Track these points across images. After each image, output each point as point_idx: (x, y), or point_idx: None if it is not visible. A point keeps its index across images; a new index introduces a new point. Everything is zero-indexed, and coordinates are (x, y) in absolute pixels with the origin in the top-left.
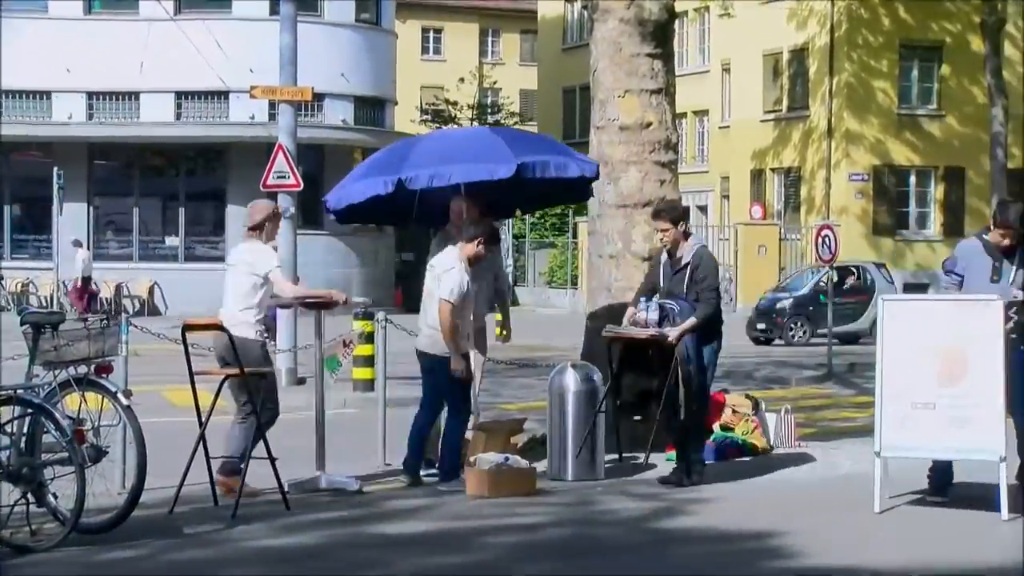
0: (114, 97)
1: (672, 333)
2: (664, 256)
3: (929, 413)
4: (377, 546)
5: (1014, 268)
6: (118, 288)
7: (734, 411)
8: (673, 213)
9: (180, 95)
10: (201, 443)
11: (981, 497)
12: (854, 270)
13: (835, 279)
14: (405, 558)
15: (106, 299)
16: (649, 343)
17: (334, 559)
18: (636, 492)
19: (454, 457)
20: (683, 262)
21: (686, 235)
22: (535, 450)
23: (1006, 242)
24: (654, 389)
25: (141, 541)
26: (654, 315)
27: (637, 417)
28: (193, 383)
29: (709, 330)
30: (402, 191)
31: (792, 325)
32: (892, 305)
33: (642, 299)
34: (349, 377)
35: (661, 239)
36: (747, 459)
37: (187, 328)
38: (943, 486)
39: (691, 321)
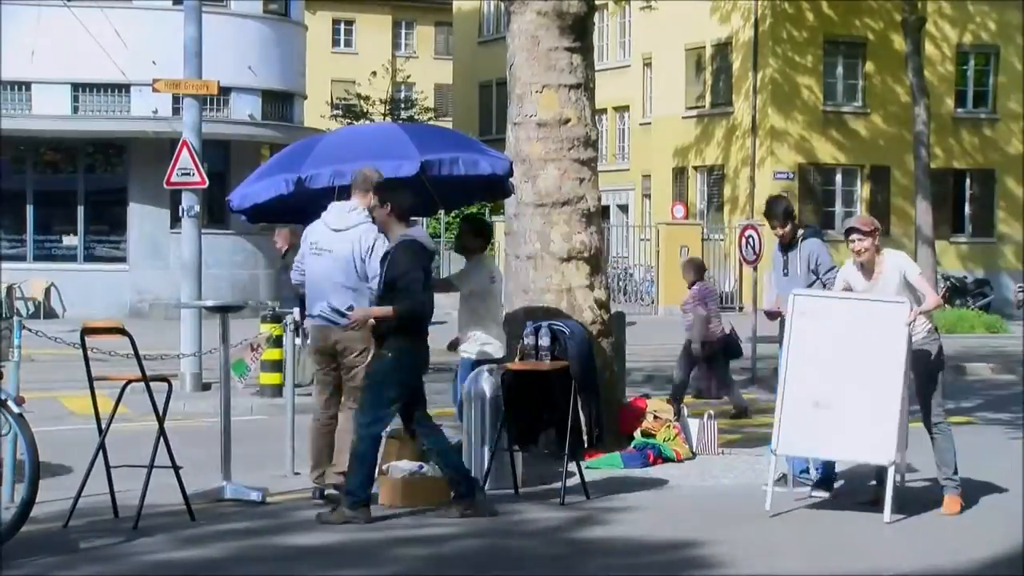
0: (2, 86)
1: None
2: None
3: (826, 413)
4: (285, 558)
5: (798, 260)
6: (10, 289)
7: (655, 417)
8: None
9: (77, 87)
10: (101, 452)
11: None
12: None
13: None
14: (313, 570)
15: None
16: (544, 372)
17: (239, 572)
18: (554, 501)
19: None
20: None
21: None
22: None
23: (777, 235)
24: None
25: (30, 559)
26: (545, 340)
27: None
28: (92, 389)
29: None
30: (321, 189)
31: None
32: (801, 301)
33: (528, 323)
34: (256, 383)
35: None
36: (668, 466)
37: (86, 331)
38: (828, 480)
39: None
